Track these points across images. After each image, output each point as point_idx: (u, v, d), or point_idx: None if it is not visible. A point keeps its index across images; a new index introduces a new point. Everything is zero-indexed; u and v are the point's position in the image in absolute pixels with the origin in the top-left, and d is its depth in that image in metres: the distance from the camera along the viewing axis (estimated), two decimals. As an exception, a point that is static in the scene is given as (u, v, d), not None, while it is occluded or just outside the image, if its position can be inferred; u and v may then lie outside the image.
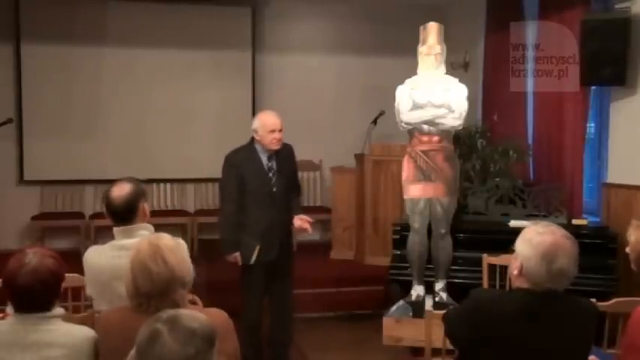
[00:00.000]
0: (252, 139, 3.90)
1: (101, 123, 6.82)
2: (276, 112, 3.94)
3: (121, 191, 2.65)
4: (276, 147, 3.84)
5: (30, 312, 2.02)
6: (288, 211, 3.97)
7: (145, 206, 2.70)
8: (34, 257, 2.04)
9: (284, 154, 3.94)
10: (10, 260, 2.06)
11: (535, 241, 2.05)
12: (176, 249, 2.01)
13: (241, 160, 3.87)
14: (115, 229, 2.66)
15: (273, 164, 3.89)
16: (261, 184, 3.84)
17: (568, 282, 2.06)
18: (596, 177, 5.19)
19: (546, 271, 2.01)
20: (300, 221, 3.96)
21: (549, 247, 2.02)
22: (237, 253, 3.84)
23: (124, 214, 2.63)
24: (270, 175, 3.87)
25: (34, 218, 6.54)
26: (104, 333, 2.02)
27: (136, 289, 1.96)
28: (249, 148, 3.90)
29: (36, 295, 2.01)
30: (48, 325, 2.02)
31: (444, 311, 2.40)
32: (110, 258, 2.57)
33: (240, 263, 3.85)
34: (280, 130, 3.83)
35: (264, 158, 3.87)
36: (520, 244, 2.09)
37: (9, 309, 2.06)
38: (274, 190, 3.87)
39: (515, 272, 2.10)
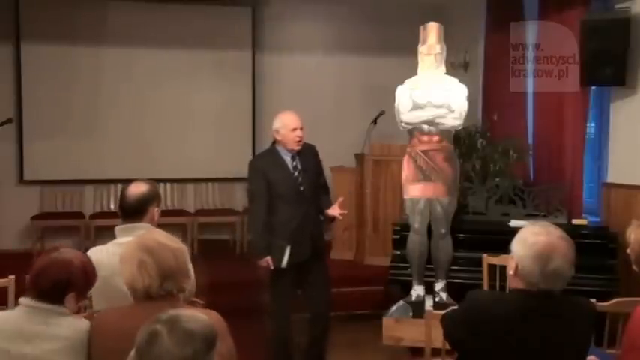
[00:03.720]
0: (273, 142, 3.92)
1: (101, 123, 6.83)
2: (293, 111, 3.95)
3: (136, 189, 2.70)
4: (297, 147, 3.84)
5: (42, 300, 2.04)
6: (318, 209, 3.97)
7: (155, 211, 2.71)
8: (67, 253, 2.12)
9: (307, 154, 3.95)
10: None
11: (530, 241, 2.04)
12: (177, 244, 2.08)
13: (266, 164, 3.89)
14: (117, 228, 2.68)
15: (298, 163, 3.88)
16: (288, 184, 3.85)
17: (564, 283, 2.05)
18: (596, 177, 5.19)
19: (540, 272, 2.01)
20: (332, 210, 3.96)
21: (544, 248, 2.01)
22: (269, 257, 3.82)
23: (132, 212, 2.66)
24: (296, 174, 3.87)
25: (34, 218, 6.54)
26: (98, 334, 2.01)
27: (160, 269, 1.96)
28: (271, 151, 3.92)
29: (47, 281, 2.03)
30: (55, 319, 2.04)
31: (443, 311, 2.40)
32: (111, 254, 2.58)
33: (272, 267, 3.83)
34: (301, 129, 3.85)
35: (287, 159, 3.87)
36: (515, 244, 2.09)
37: (22, 299, 2.09)
38: (302, 189, 3.87)
39: (511, 272, 2.10)
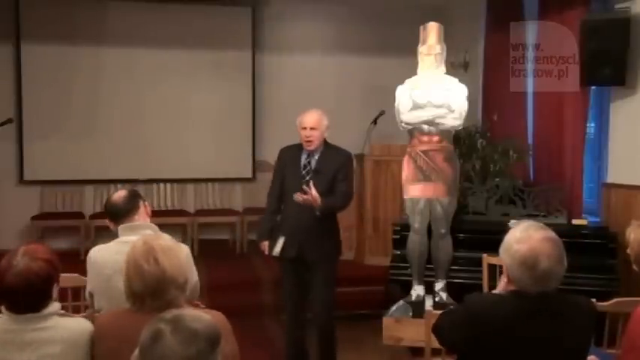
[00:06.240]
0: None
1: (101, 123, 6.82)
2: (316, 111, 3.91)
3: (118, 194, 2.84)
4: (307, 146, 3.82)
5: (20, 313, 1.99)
6: (322, 214, 3.80)
7: (146, 205, 2.83)
8: (23, 259, 2.01)
9: (331, 158, 3.87)
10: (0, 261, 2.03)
11: (513, 249, 2.03)
12: (170, 251, 1.99)
13: (287, 154, 3.97)
14: (120, 227, 2.72)
15: (312, 163, 3.85)
16: (293, 180, 3.86)
17: (557, 281, 2.04)
18: (596, 177, 5.19)
19: (529, 277, 2.00)
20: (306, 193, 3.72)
21: (527, 254, 2.00)
22: (266, 243, 3.94)
23: (126, 211, 2.74)
24: (304, 173, 3.85)
25: (34, 218, 6.54)
26: (100, 336, 2.01)
27: (129, 288, 1.97)
28: (299, 145, 3.93)
29: (24, 297, 1.98)
30: (44, 322, 2.00)
31: (439, 313, 2.39)
32: (114, 253, 2.60)
33: (266, 252, 3.96)
34: (312, 129, 3.79)
35: (303, 156, 3.88)
36: (501, 252, 2.09)
37: (5, 311, 2.03)
38: (304, 188, 3.82)
39: (505, 279, 2.11)
